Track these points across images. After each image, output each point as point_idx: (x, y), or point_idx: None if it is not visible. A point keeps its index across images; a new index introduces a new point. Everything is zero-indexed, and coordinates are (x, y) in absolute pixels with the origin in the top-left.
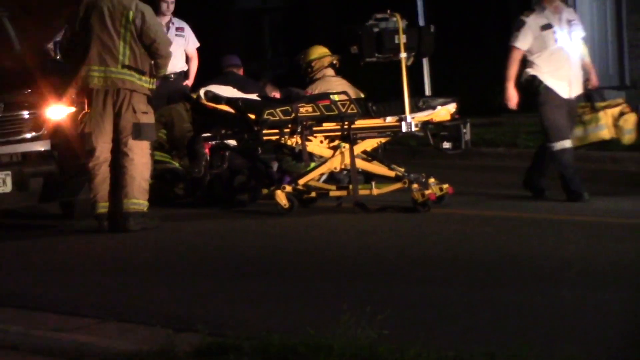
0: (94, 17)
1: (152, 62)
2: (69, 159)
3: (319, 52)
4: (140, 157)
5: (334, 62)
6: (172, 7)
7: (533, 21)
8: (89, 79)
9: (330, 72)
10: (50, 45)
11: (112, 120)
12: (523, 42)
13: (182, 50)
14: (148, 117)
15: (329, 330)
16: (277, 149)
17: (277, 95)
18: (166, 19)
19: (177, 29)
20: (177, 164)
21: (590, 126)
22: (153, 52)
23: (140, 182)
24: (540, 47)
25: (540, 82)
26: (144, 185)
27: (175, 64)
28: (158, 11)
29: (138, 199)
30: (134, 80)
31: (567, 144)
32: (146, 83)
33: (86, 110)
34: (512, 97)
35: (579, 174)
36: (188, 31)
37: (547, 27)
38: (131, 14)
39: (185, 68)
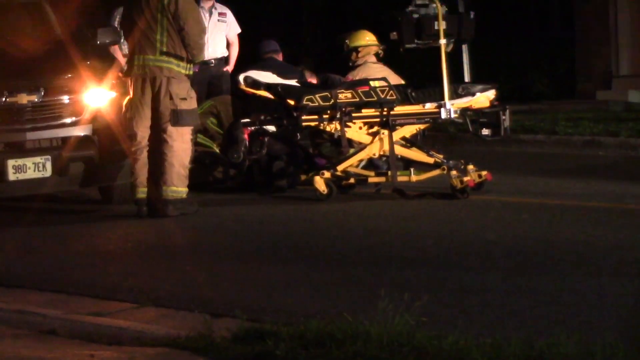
0: (135, 5)
1: None
2: (109, 144)
3: (365, 40)
4: (180, 144)
5: (379, 52)
6: None
7: None
8: (130, 68)
9: (372, 58)
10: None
11: (150, 107)
12: None
13: (223, 35)
14: (187, 103)
15: (366, 317)
16: (313, 135)
17: (314, 81)
18: (209, 3)
19: (220, 14)
20: (217, 149)
21: None
22: (182, 39)
23: (179, 170)
24: None
25: None
26: (183, 172)
27: (217, 50)
28: None
29: (177, 187)
30: (171, 67)
31: None
32: (184, 69)
33: (129, 96)
34: None
35: None
36: (230, 17)
37: None
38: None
39: (226, 54)
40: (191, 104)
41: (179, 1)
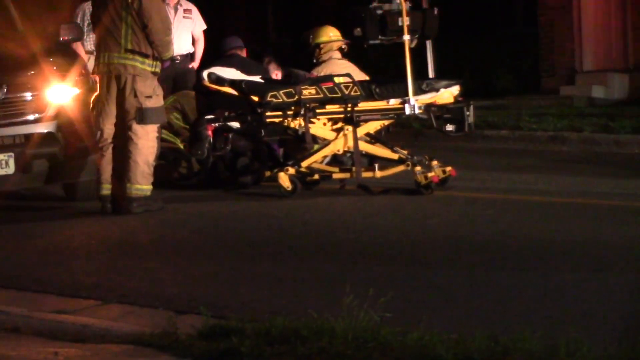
0: (100, 1)
1: None
2: (72, 140)
3: (329, 35)
4: (145, 141)
5: (343, 46)
6: None
7: None
8: (95, 66)
9: (337, 54)
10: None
11: (115, 104)
12: None
13: (189, 32)
14: (153, 101)
15: (331, 313)
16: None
17: (279, 74)
18: (174, 0)
19: (185, 10)
20: (181, 145)
21: None
22: (146, 36)
23: (144, 167)
24: None
25: None
26: (147, 170)
27: (182, 46)
28: None
29: (141, 185)
30: (136, 65)
31: None
32: (149, 66)
33: (96, 93)
34: None
35: None
36: (196, 13)
37: None
38: None
39: (191, 50)
40: (157, 101)
41: None
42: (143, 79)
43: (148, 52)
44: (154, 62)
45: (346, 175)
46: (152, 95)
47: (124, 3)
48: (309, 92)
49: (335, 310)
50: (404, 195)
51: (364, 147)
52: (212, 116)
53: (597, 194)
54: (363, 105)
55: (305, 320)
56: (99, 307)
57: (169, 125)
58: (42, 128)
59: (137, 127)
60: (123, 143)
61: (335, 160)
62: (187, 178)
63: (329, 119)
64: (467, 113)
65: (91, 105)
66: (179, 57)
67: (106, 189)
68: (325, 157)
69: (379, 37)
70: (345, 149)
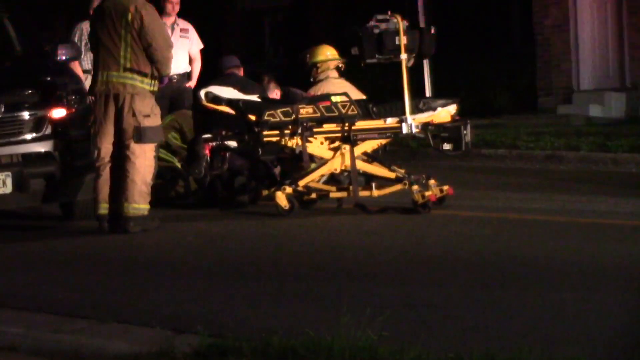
0: (98, 20)
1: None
2: (70, 159)
3: (326, 55)
4: (143, 160)
5: (340, 65)
6: (177, 7)
7: None
8: (93, 85)
9: (334, 74)
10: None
11: (113, 123)
12: None
13: (185, 51)
14: (151, 120)
15: (328, 332)
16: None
17: (278, 93)
18: (171, 19)
19: (182, 30)
20: (178, 164)
21: None
22: (149, 55)
23: (141, 187)
24: None
25: None
26: (145, 189)
27: (179, 66)
28: (163, 12)
29: (138, 204)
30: (135, 84)
31: None
32: (148, 85)
33: (95, 111)
34: None
35: None
36: (192, 32)
37: None
38: (129, 15)
39: (188, 69)
40: (155, 120)
41: (145, 18)
42: (141, 98)
43: (147, 71)
44: (153, 81)
45: (343, 194)
46: (150, 114)
47: (123, 22)
48: (306, 111)
49: (333, 329)
50: (401, 214)
51: (361, 166)
52: (209, 135)
53: (594, 213)
54: (360, 124)
55: (303, 339)
56: (96, 326)
57: (166, 145)
58: (40, 147)
59: (134, 147)
60: (120, 162)
61: (333, 179)
62: (184, 197)
63: (326, 138)
64: (465, 132)
65: (90, 125)
66: (175, 77)
67: (103, 208)
68: (322, 176)
69: (376, 56)
70: (343, 168)
